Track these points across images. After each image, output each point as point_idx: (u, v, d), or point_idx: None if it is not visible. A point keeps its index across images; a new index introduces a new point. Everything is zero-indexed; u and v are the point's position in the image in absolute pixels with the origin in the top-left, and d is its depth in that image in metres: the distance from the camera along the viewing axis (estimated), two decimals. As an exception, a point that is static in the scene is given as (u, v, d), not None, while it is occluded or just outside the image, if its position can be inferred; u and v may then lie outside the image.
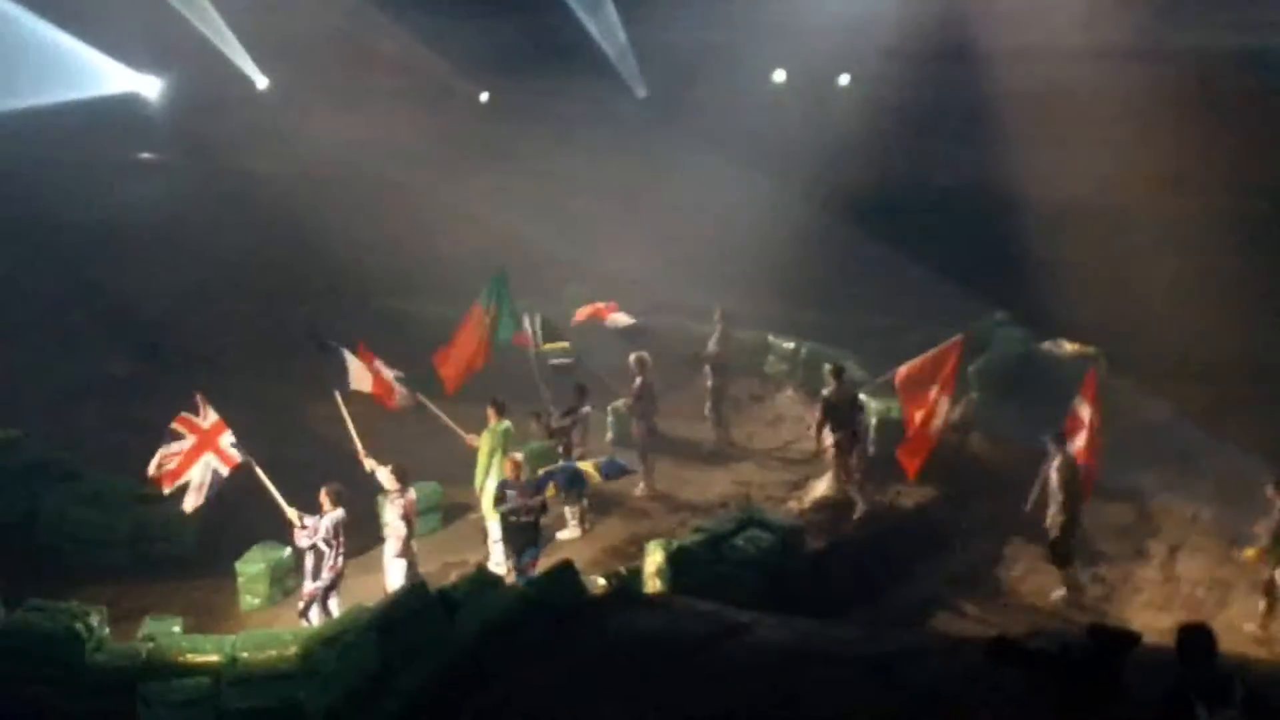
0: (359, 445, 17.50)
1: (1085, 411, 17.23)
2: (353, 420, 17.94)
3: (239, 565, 17.67)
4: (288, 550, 17.50)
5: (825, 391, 20.07)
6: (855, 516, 19.47)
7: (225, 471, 16.74)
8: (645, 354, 21.58)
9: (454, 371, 20.45)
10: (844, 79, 33.48)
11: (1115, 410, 19.87)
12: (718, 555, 16.75)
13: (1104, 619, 15.44)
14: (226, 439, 16.80)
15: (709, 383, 23.06)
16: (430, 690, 13.41)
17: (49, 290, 28.25)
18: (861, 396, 20.58)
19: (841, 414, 19.78)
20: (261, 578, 17.57)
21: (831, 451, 19.98)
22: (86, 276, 29.05)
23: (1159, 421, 21.00)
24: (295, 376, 18.69)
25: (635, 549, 18.03)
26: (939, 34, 29.51)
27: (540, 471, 17.46)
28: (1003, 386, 22.71)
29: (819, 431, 20.13)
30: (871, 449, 20.08)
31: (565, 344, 22.04)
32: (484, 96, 36.50)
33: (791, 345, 25.58)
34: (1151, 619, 16.08)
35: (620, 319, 23.02)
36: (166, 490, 16.81)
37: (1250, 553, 16.09)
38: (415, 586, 14.94)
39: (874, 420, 20.84)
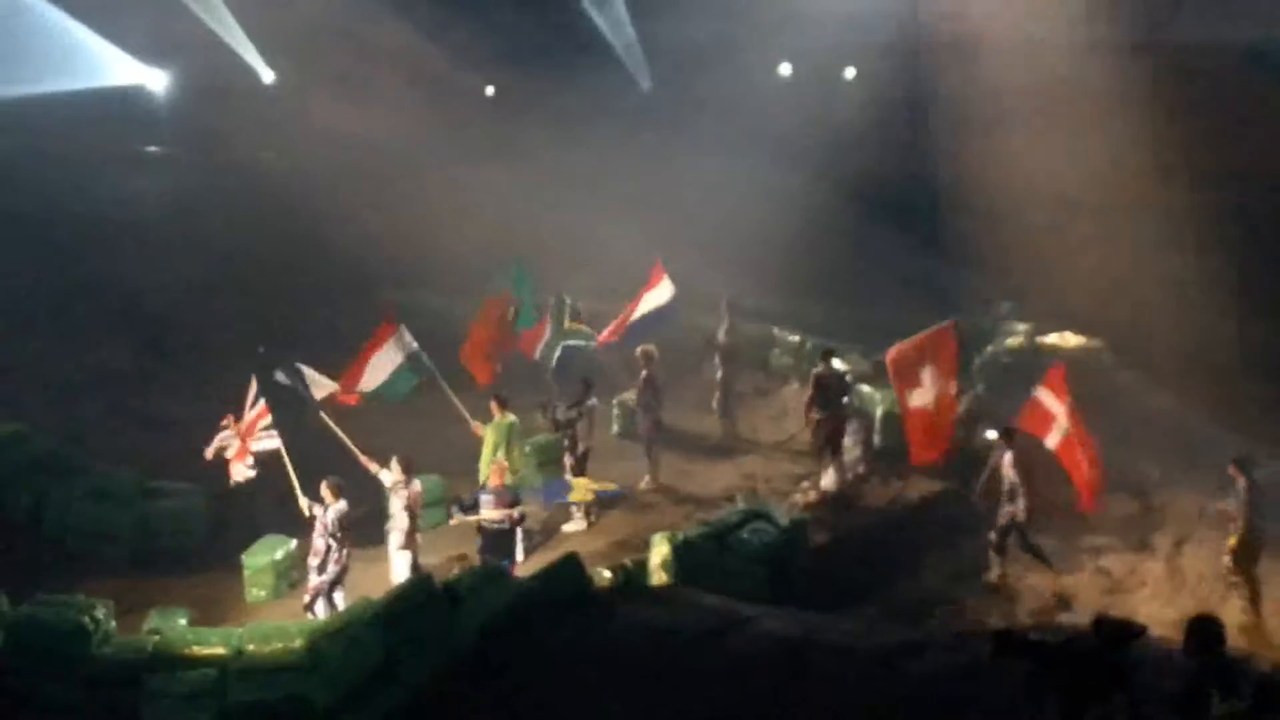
0: (357, 453, 17.46)
1: (1052, 404, 17.21)
2: (354, 418, 18.00)
3: (245, 558, 17.66)
4: (294, 543, 17.55)
5: (818, 369, 20.30)
6: (814, 494, 19.77)
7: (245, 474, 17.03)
8: (651, 346, 21.58)
9: (482, 361, 20.60)
10: (849, 72, 33.48)
11: (1120, 403, 19.92)
12: (723, 548, 16.75)
13: (1108, 611, 15.45)
14: (255, 441, 17.01)
15: (718, 374, 23.10)
16: (435, 683, 13.42)
17: (53, 283, 28.24)
18: (866, 388, 20.62)
19: (830, 394, 19.98)
20: (267, 570, 17.57)
21: (814, 429, 20.27)
22: (90, 269, 29.03)
23: (1164, 414, 21.00)
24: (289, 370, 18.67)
25: (640, 542, 18.02)
26: (942, 27, 29.52)
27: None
28: (1007, 380, 22.69)
29: (809, 408, 20.31)
30: (878, 439, 20.10)
31: (586, 329, 22.16)
32: (490, 90, 36.52)
33: (796, 339, 25.63)
34: (1156, 611, 16.08)
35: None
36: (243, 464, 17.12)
37: (1232, 541, 16.15)
38: (420, 579, 14.95)
39: (880, 412, 20.88)
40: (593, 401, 20.13)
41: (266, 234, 30.27)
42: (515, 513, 16.75)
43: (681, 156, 31.39)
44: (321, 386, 18.45)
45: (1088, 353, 23.35)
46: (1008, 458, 17.27)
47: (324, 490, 15.86)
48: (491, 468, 17.19)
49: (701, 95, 33.01)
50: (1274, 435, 18.41)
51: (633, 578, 15.83)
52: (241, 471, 17.10)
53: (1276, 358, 22.17)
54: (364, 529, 16.96)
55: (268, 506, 17.34)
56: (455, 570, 16.56)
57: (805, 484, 20.44)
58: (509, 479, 18.16)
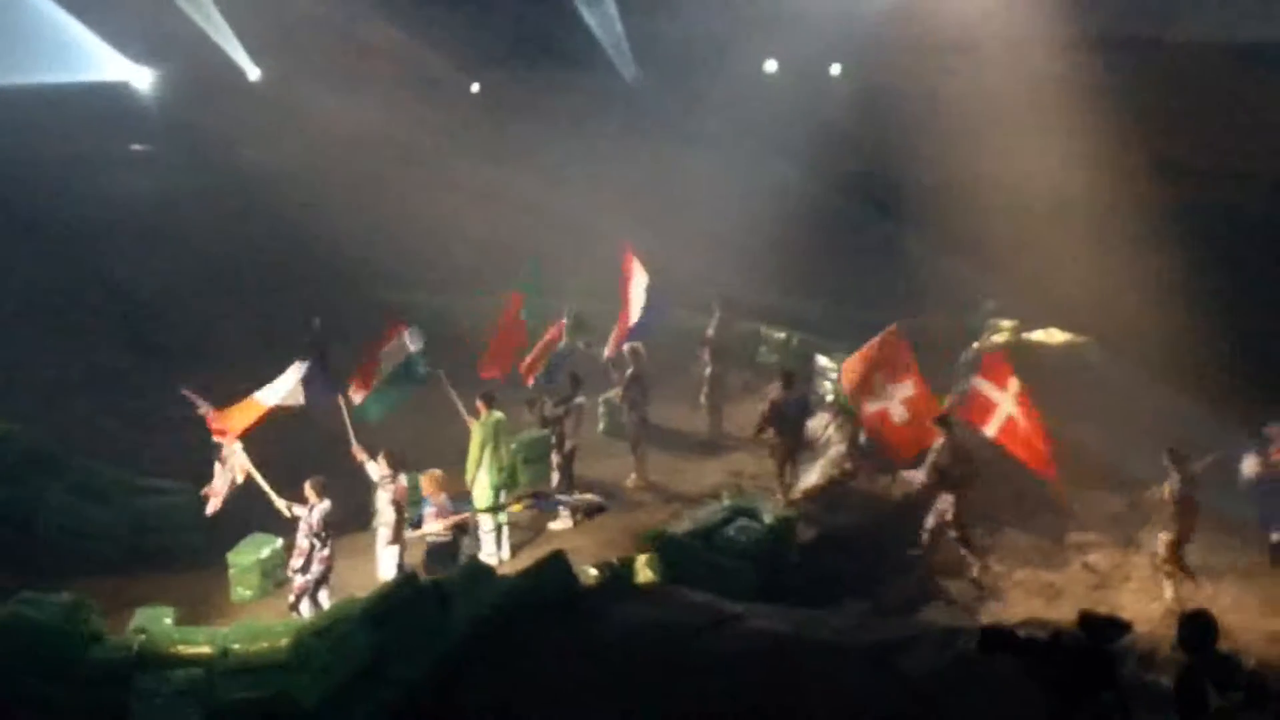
0: (353, 437, 17.52)
1: (993, 392, 17.30)
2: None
3: (231, 557, 17.66)
4: (279, 542, 17.55)
5: (772, 395, 20.23)
6: (785, 500, 19.69)
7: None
8: (639, 344, 21.60)
9: (500, 362, 20.62)
10: (835, 69, 33.47)
11: (1106, 399, 19.96)
12: (710, 546, 16.79)
13: (1095, 607, 15.50)
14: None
15: (706, 370, 23.12)
16: (422, 681, 13.42)
17: (42, 282, 28.18)
18: None
19: (787, 419, 19.96)
20: (253, 569, 17.56)
21: (770, 452, 20.28)
22: (80, 268, 28.98)
23: (1151, 410, 21.02)
24: (288, 368, 18.64)
25: (628, 540, 18.05)
26: (930, 24, 29.53)
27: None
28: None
29: (758, 432, 20.25)
30: (864, 436, 20.15)
31: (580, 343, 22.18)
32: (475, 87, 36.47)
33: (783, 335, 25.66)
34: (1143, 607, 16.16)
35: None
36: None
37: (1164, 536, 16.61)
38: (407, 577, 14.94)
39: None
40: (580, 399, 20.12)
41: (255, 233, 30.20)
42: (445, 526, 16.56)
43: (669, 153, 31.39)
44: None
45: (1074, 349, 23.38)
46: (941, 444, 17.52)
47: (307, 489, 15.86)
48: (425, 480, 16.73)
49: (688, 92, 32.97)
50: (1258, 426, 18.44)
51: (620, 576, 15.82)
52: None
53: (1263, 353, 22.22)
54: (346, 526, 16.99)
55: (255, 505, 17.30)
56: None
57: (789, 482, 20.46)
58: (495, 478, 18.23)
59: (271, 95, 34.77)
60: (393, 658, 13.61)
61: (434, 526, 16.34)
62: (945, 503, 17.66)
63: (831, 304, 27.03)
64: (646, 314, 21.23)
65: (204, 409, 17.17)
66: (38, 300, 27.65)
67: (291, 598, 16.04)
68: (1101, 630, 9.61)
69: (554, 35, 34.61)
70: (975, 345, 23.58)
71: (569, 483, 19.72)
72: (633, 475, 21.14)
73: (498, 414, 18.71)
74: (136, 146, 35.54)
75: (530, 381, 20.50)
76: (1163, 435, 17.50)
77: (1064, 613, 15.49)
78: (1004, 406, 17.09)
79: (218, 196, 31.70)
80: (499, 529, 18.63)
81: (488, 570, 15.42)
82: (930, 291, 25.94)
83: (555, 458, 19.77)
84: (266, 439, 17.28)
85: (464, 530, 16.92)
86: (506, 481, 18.86)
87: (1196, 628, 9.41)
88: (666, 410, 22.86)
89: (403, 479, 16.81)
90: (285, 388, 17.47)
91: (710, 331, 23.24)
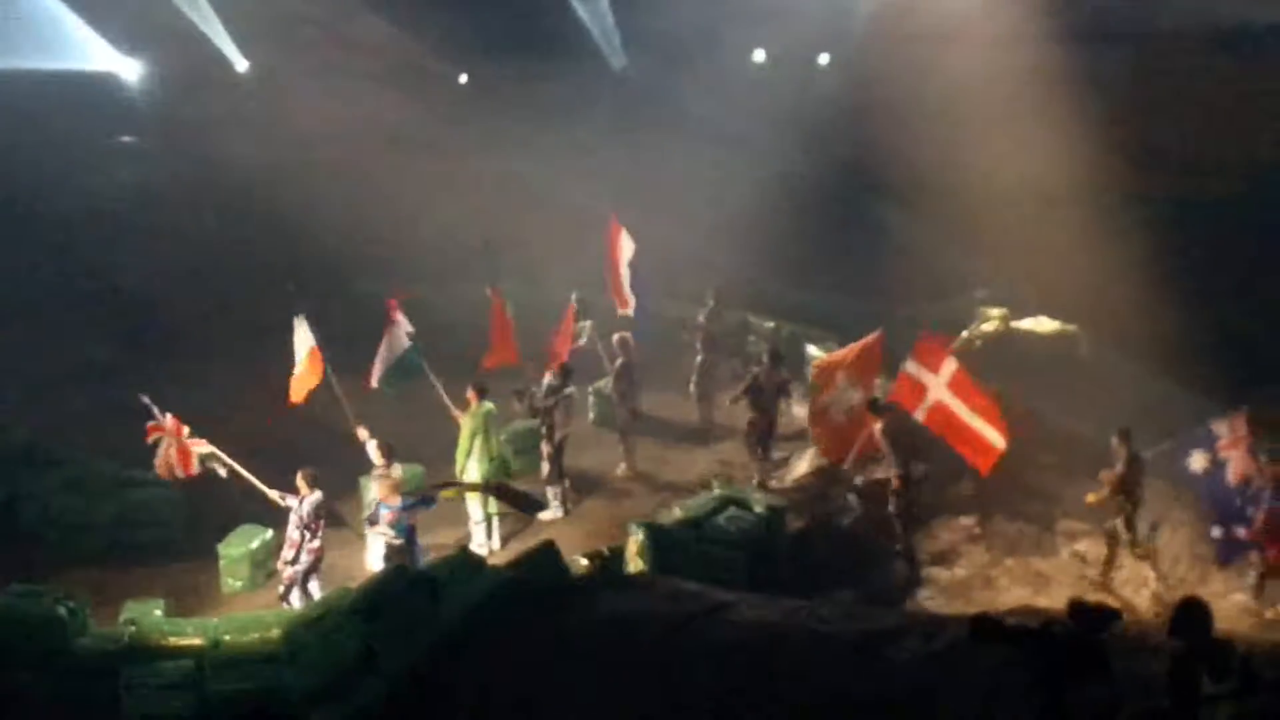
0: (352, 416, 17.53)
1: (924, 375, 17.40)
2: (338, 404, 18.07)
3: (221, 548, 17.66)
4: (270, 533, 17.55)
5: (755, 369, 20.57)
6: (758, 480, 19.94)
7: (180, 473, 16.98)
8: (628, 334, 21.64)
9: (503, 353, 20.75)
10: (824, 58, 33.47)
11: (1095, 387, 20.00)
12: (700, 535, 16.80)
13: (1084, 596, 15.53)
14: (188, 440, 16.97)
15: (698, 359, 23.15)
16: (413, 671, 13.42)
17: (29, 275, 28.12)
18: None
19: (765, 396, 20.20)
20: (243, 560, 17.56)
21: (748, 428, 20.52)
22: (67, 261, 28.92)
23: (1140, 397, 21.06)
24: (277, 360, 18.66)
25: (617, 529, 18.04)
26: (916, 15, 29.57)
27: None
28: (982, 365, 22.75)
29: (734, 401, 20.69)
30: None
31: (587, 322, 22.22)
32: (463, 78, 36.43)
33: (772, 325, 25.66)
34: (1131, 595, 16.20)
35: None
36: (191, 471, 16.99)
37: (1091, 497, 17.04)
38: (397, 568, 14.94)
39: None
40: (570, 390, 20.12)
41: (243, 225, 30.19)
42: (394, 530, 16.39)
43: (658, 143, 31.36)
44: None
45: (1063, 337, 23.44)
46: (876, 428, 17.78)
47: (299, 480, 15.83)
48: (382, 483, 16.29)
49: (676, 82, 32.99)
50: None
51: (610, 565, 15.80)
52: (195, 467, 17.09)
53: (1245, 340, 22.27)
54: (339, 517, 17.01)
55: (244, 497, 17.27)
56: (432, 557, 16.57)
57: (778, 473, 20.46)
58: (486, 468, 18.22)
59: (259, 87, 34.73)
60: (383, 648, 13.62)
61: (385, 529, 16.10)
62: (892, 474, 17.97)
63: (821, 293, 27.05)
64: (636, 285, 21.52)
65: (158, 421, 17.12)
66: (25, 293, 27.57)
67: (282, 588, 16.02)
68: (1091, 618, 9.62)
69: (542, 26, 34.60)
70: (965, 334, 23.61)
71: (559, 473, 19.72)
72: (622, 465, 21.17)
73: (488, 404, 18.71)
74: (124, 138, 35.47)
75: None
76: (1151, 422, 17.54)
77: (1054, 601, 15.53)
78: (934, 391, 17.22)
79: (206, 190, 31.67)
80: (489, 519, 18.63)
81: (478, 561, 15.42)
82: (919, 280, 25.96)
83: (545, 448, 19.75)
84: (257, 431, 17.28)
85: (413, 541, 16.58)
86: (497, 472, 18.85)
87: (1190, 615, 9.42)
88: (656, 400, 22.89)
89: (397, 469, 16.80)
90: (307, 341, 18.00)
91: (702, 319, 23.29)
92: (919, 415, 17.43)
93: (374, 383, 19.31)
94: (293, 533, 15.87)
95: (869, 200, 28.44)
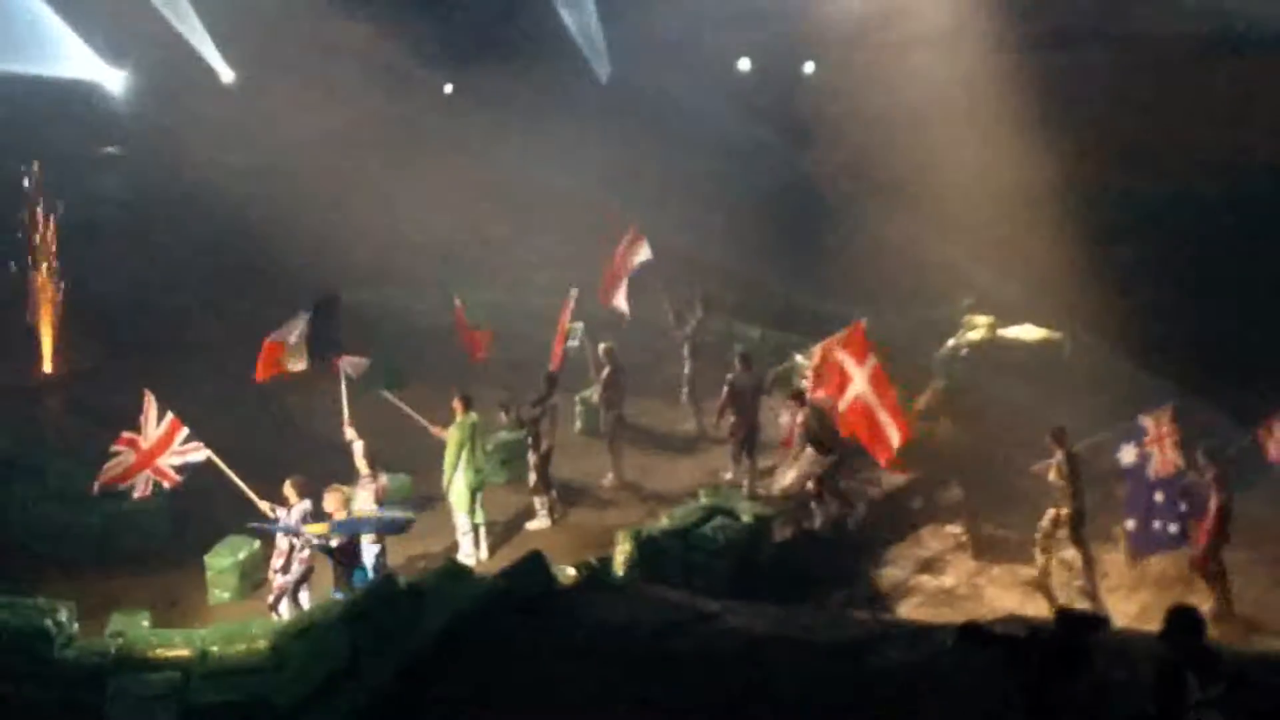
0: (346, 414, 17.49)
1: (850, 366, 17.53)
2: (324, 413, 18.00)
3: (208, 559, 17.62)
4: (256, 543, 17.48)
5: (731, 376, 20.58)
6: (734, 477, 20.22)
7: (166, 486, 16.81)
8: (613, 344, 21.66)
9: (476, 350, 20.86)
10: (809, 67, 33.50)
11: (1082, 392, 20.03)
12: (686, 544, 16.80)
13: (1072, 602, 15.59)
14: (171, 456, 16.71)
15: (685, 369, 23.17)
16: (400, 682, 13.39)
17: (11, 281, 28.01)
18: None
19: (744, 399, 20.30)
20: (230, 571, 17.51)
21: (731, 433, 20.63)
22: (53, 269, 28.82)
23: (1130, 400, 21.09)
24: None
25: (604, 538, 18.04)
26: (901, 21, 29.63)
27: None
28: (969, 372, 22.82)
29: (720, 414, 20.77)
30: None
31: (580, 324, 22.23)
32: (448, 88, 36.45)
33: (757, 334, 25.69)
34: (1119, 602, 16.24)
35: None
36: (119, 487, 16.81)
37: (1052, 514, 17.27)
38: (385, 578, 14.92)
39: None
40: (555, 400, 20.11)
41: (226, 233, 30.13)
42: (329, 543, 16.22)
43: (641, 151, 31.37)
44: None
45: (1049, 345, 23.48)
46: (799, 418, 18.35)
47: (287, 489, 15.77)
48: (330, 496, 15.73)
49: (661, 90, 32.98)
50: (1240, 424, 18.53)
51: (597, 574, 15.80)
52: (138, 492, 16.88)
53: (1235, 345, 22.31)
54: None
55: (230, 506, 17.23)
56: (420, 567, 16.57)
57: (765, 481, 20.47)
58: (472, 479, 18.20)
59: (244, 96, 34.70)
60: (370, 658, 13.58)
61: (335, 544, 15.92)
62: (818, 464, 18.38)
63: (810, 298, 27.08)
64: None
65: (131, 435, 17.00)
66: (6, 300, 27.47)
67: (271, 598, 15.97)
68: (1079, 626, 9.63)
69: (525, 32, 34.62)
70: (951, 341, 23.65)
71: (546, 482, 19.72)
72: (609, 474, 21.18)
73: (473, 416, 18.69)
74: (109, 149, 35.40)
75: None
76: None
77: (1041, 609, 15.57)
78: (857, 383, 17.40)
79: (189, 197, 31.61)
80: (476, 529, 18.62)
81: (465, 570, 15.41)
82: (904, 285, 26.01)
83: (532, 458, 19.75)
84: (242, 439, 17.23)
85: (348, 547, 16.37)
86: (483, 483, 18.84)
87: (1181, 622, 9.41)
88: (643, 409, 22.89)
89: (383, 478, 16.79)
90: (295, 330, 17.75)
91: (689, 329, 23.31)
92: (841, 405, 17.63)
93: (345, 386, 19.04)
94: (282, 542, 15.83)
95: (855, 205, 28.44)
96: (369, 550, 16.05)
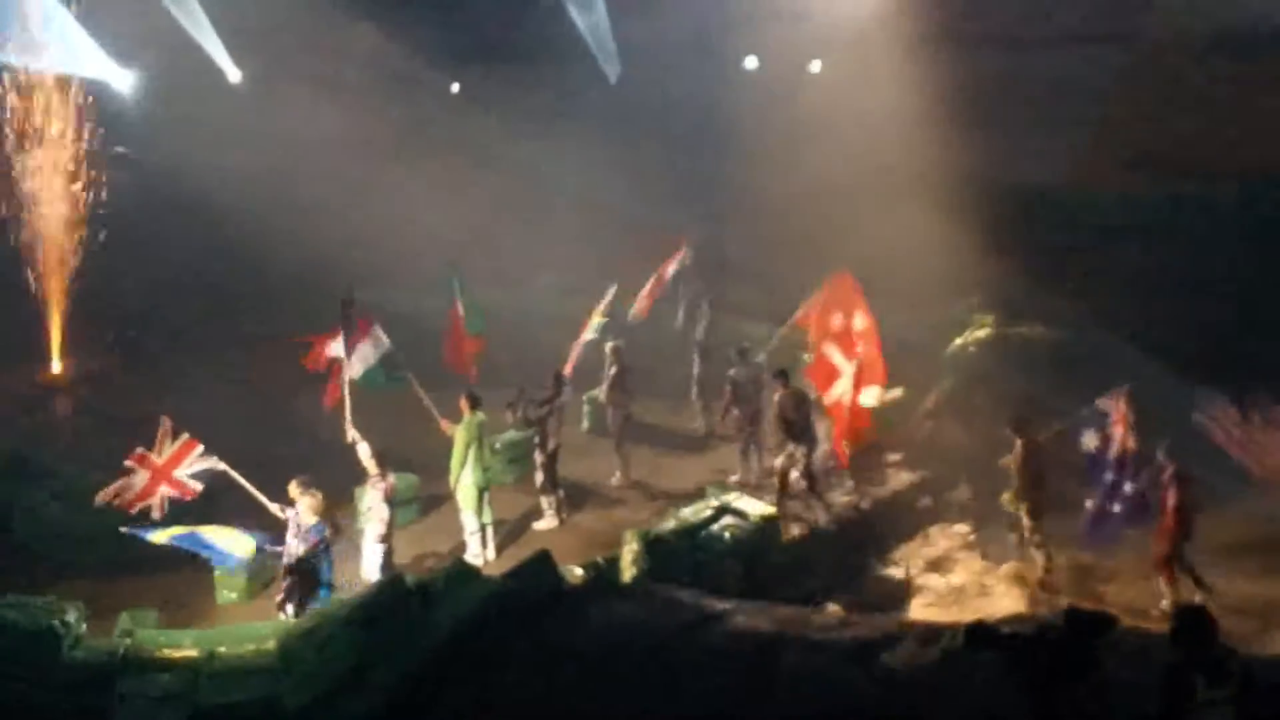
0: (348, 416, 17.49)
1: (840, 361, 17.72)
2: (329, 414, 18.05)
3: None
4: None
5: (731, 371, 20.88)
6: (748, 482, 20.13)
7: (185, 499, 16.84)
8: (620, 343, 21.65)
9: (459, 360, 20.71)
10: (815, 65, 33.42)
11: (1091, 389, 19.97)
12: (695, 544, 16.78)
13: (1081, 602, 15.55)
14: (185, 469, 16.76)
15: (695, 370, 23.17)
16: (408, 683, 13.38)
17: (19, 285, 28.03)
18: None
19: (745, 392, 20.66)
20: (238, 572, 17.51)
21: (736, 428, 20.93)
22: (61, 269, 28.82)
23: (1138, 397, 21.06)
24: (267, 371, 18.63)
25: (612, 538, 18.02)
26: (907, 20, 29.56)
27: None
28: (975, 371, 22.78)
29: (725, 412, 21.11)
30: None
31: (605, 319, 22.23)
32: (455, 87, 36.40)
33: (768, 332, 25.63)
34: (1129, 601, 16.19)
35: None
36: (133, 510, 16.84)
37: (1006, 496, 17.53)
38: (392, 579, 14.92)
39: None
40: (562, 399, 20.11)
41: (234, 234, 30.08)
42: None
43: (649, 152, 31.34)
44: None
45: (1057, 344, 23.41)
46: (778, 397, 18.65)
47: (292, 489, 15.76)
48: (306, 501, 15.82)
49: (669, 90, 32.91)
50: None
51: (605, 575, 15.79)
52: (163, 506, 16.92)
53: (1240, 350, 22.22)
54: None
55: (237, 508, 17.23)
56: (428, 565, 16.57)
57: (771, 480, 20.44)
58: (479, 478, 18.21)
59: (250, 97, 34.66)
60: (378, 659, 13.57)
61: (297, 551, 15.92)
62: (798, 451, 18.52)
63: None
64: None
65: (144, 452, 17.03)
66: (14, 303, 27.49)
67: (280, 597, 15.96)
68: (1087, 625, 9.61)
69: (533, 33, 34.55)
70: (958, 341, 23.61)
71: (553, 482, 19.73)
72: (617, 474, 21.19)
73: (480, 415, 18.69)
74: (116, 149, 35.37)
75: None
76: (1147, 420, 17.51)
77: (1049, 608, 15.53)
78: (844, 380, 17.52)
79: (197, 197, 31.53)
80: (483, 529, 18.62)
81: (473, 571, 15.39)
82: (911, 283, 25.94)
83: (538, 457, 19.76)
84: (248, 441, 17.24)
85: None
86: (490, 483, 18.85)
87: (1193, 624, 9.38)
88: (650, 408, 22.88)
89: (392, 477, 16.83)
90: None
91: (699, 334, 23.36)
92: (828, 400, 17.72)
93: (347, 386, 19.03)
94: (290, 542, 15.84)
95: (858, 205, 28.32)
96: (328, 571, 16.00)
